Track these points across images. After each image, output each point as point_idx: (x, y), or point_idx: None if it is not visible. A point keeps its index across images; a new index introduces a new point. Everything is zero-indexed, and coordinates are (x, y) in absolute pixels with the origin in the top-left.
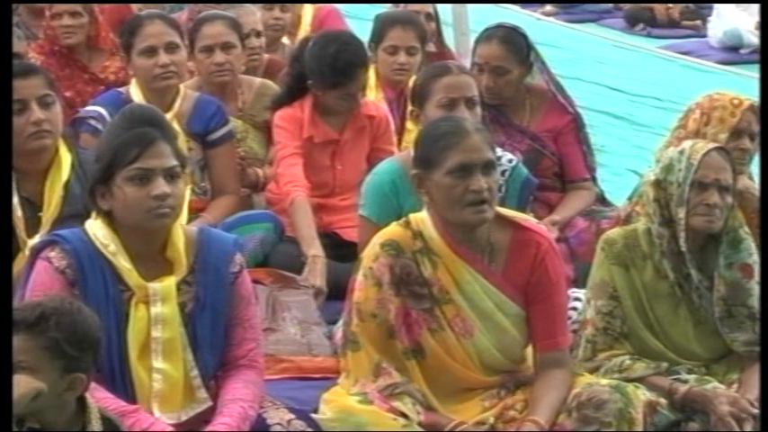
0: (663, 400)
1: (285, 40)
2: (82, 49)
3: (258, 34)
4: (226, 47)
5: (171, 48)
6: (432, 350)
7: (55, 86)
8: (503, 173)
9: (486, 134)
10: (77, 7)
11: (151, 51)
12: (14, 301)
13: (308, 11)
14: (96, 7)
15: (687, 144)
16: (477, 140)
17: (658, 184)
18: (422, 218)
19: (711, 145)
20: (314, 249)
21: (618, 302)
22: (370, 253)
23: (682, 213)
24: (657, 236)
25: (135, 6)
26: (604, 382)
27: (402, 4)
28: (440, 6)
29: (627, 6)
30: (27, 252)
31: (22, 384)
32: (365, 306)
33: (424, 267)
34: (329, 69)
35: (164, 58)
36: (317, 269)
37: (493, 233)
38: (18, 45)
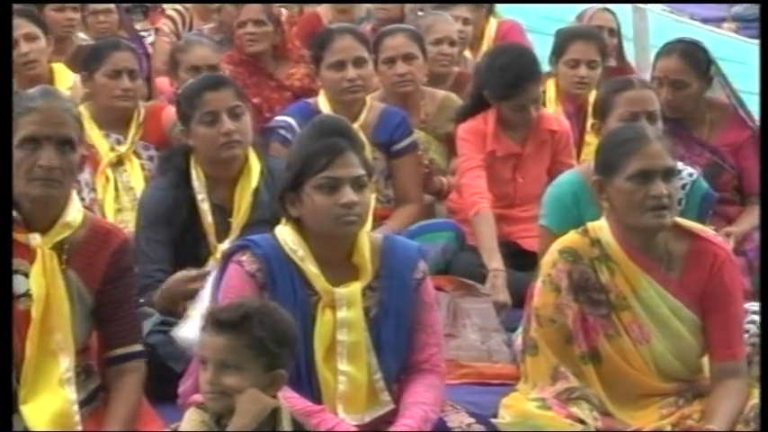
0: None
1: (467, 53)
2: (268, 58)
3: (452, 43)
4: (407, 58)
5: (359, 62)
6: (608, 355)
7: (244, 97)
8: (683, 186)
9: (667, 142)
10: (261, 16)
11: (340, 65)
12: (209, 304)
13: (491, 25)
14: (282, 16)
15: None
16: (659, 147)
17: None
18: (600, 225)
19: None
20: (495, 262)
21: None
22: (549, 260)
23: None
24: None
25: (325, 19)
26: None
27: (588, 16)
28: (621, 21)
29: None
30: (219, 256)
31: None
32: (544, 311)
33: (601, 274)
34: (498, 81)
35: (351, 72)
36: (498, 284)
37: (670, 242)
38: (214, 57)
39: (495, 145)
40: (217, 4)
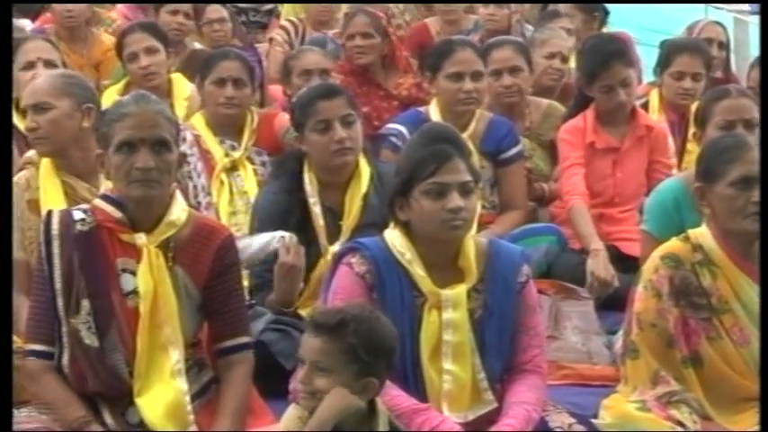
0: None
1: (572, 63)
2: (376, 68)
3: (564, 59)
4: (513, 70)
5: (476, 76)
6: (709, 358)
7: (356, 106)
8: None
9: None
10: (369, 29)
11: (458, 77)
12: (318, 304)
13: None
14: (390, 28)
15: None
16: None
17: None
18: (701, 231)
19: None
20: (594, 244)
21: None
22: (650, 265)
23: None
24: None
25: (433, 30)
26: None
27: (698, 29)
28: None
29: None
30: (329, 258)
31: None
32: (645, 316)
33: (703, 278)
34: (587, 61)
35: (469, 84)
36: (599, 262)
37: None
38: (325, 62)
39: (594, 137)
40: (343, 10)
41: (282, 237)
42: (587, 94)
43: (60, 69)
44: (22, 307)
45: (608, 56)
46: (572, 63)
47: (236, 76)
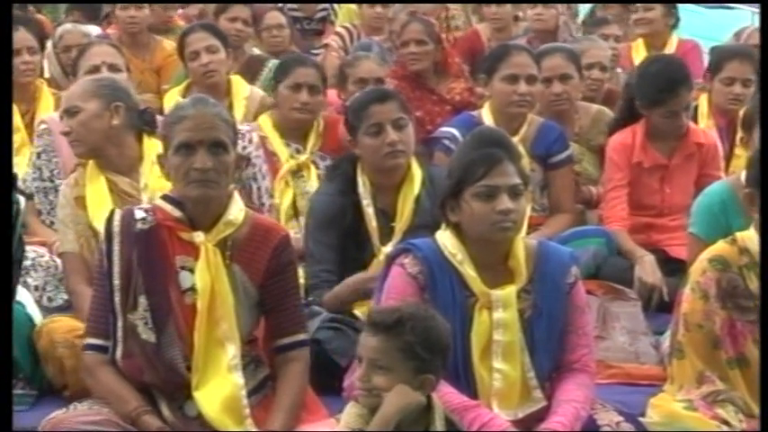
0: None
1: (619, 69)
2: (429, 74)
3: (603, 68)
4: (564, 78)
5: (531, 79)
6: (755, 360)
7: (408, 110)
8: None
9: None
10: (423, 36)
11: (513, 79)
12: (372, 304)
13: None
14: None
15: None
16: None
17: None
18: (748, 235)
19: None
20: (640, 252)
21: None
22: (698, 268)
23: None
24: None
25: (484, 36)
26: None
27: (745, 35)
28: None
29: None
30: (382, 258)
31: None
32: (692, 317)
33: (749, 281)
34: (651, 86)
35: (523, 87)
36: (646, 266)
37: None
38: (380, 70)
39: (642, 156)
40: (390, 16)
41: None
42: (639, 111)
43: (96, 74)
44: (84, 296)
45: (676, 83)
46: (635, 56)
47: (312, 82)
